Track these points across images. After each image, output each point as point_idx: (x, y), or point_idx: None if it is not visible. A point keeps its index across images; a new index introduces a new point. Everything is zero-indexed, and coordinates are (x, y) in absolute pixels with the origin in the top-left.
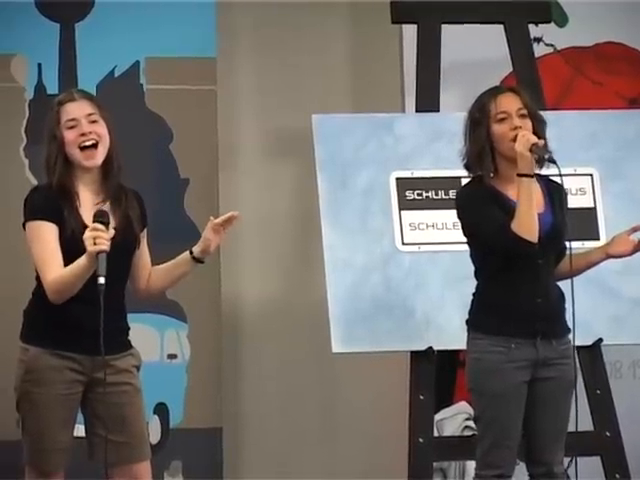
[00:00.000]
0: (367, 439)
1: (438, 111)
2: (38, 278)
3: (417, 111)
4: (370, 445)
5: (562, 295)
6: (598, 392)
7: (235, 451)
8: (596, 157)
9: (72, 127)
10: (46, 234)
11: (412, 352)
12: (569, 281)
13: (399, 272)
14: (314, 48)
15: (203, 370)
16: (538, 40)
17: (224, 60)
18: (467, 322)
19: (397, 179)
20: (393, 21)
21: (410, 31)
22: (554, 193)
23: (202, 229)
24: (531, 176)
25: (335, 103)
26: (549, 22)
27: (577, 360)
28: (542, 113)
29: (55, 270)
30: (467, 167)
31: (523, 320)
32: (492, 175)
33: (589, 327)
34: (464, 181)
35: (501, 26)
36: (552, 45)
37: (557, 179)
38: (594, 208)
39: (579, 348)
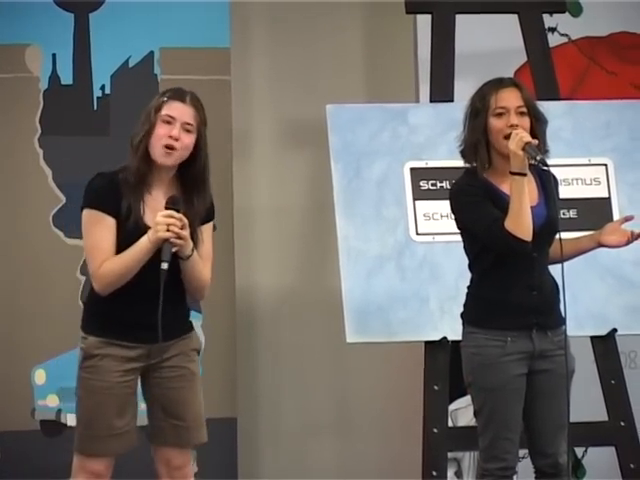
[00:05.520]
0: (382, 429)
1: (452, 101)
2: None
3: (431, 101)
4: (384, 435)
5: (556, 286)
6: (612, 382)
7: (249, 441)
8: (611, 147)
9: (167, 122)
10: (100, 226)
11: (426, 342)
12: (571, 271)
13: (413, 262)
14: (328, 38)
15: (217, 360)
16: (552, 30)
17: (238, 50)
18: (462, 316)
19: (411, 169)
20: (407, 11)
21: (424, 21)
22: (547, 184)
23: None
24: (524, 174)
25: (349, 93)
26: (564, 12)
27: (593, 350)
28: (556, 103)
29: (103, 261)
30: (463, 154)
31: (518, 313)
32: (487, 166)
33: (604, 317)
34: None
35: (515, 16)
36: (566, 35)
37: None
38: (608, 198)
39: (594, 338)
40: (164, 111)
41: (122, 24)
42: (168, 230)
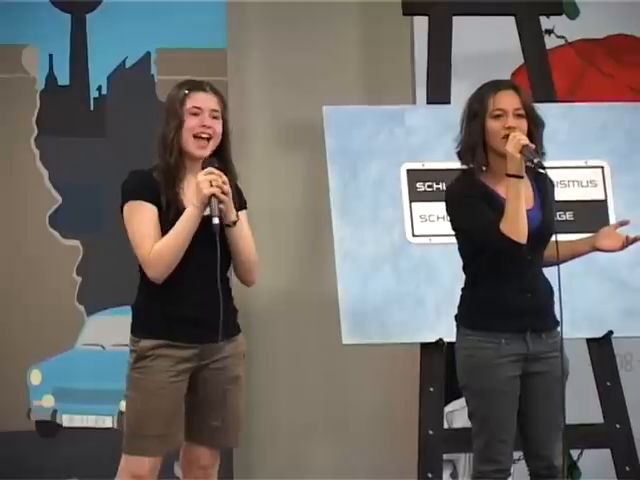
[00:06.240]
0: (377, 430)
1: (449, 103)
2: (142, 270)
3: (428, 103)
4: (380, 436)
5: (551, 288)
6: (608, 384)
7: (245, 441)
8: (607, 149)
9: (195, 114)
10: (143, 213)
11: (422, 344)
12: (567, 274)
13: (409, 264)
14: (325, 39)
15: None
16: (549, 32)
17: (235, 51)
18: (456, 318)
19: (408, 171)
20: (404, 13)
21: (421, 23)
22: (543, 186)
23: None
24: (520, 177)
25: (346, 94)
26: (560, 14)
27: (588, 352)
28: (553, 105)
29: (152, 245)
30: (460, 156)
31: (512, 315)
32: (484, 168)
33: (600, 319)
34: None
35: (512, 18)
36: (563, 37)
37: (547, 172)
38: (605, 200)
39: (590, 340)
40: (189, 103)
41: (119, 25)
42: (211, 186)
